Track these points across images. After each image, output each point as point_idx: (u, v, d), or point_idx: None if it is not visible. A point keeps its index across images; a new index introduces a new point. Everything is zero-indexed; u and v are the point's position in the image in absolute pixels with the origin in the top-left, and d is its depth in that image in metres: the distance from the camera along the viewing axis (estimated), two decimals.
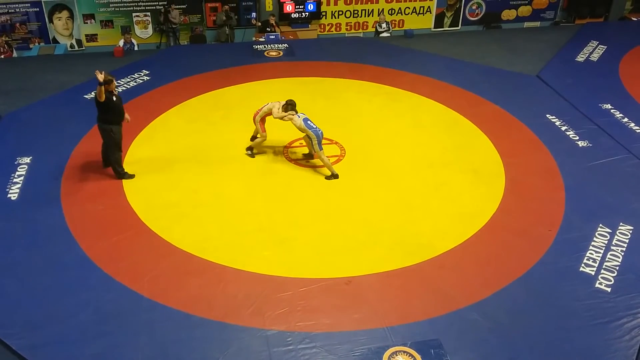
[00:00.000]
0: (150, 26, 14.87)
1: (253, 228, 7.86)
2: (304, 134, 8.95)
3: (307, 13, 15.49)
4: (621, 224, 7.99)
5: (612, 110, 11.22)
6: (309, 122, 8.85)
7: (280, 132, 9.71)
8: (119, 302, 6.56)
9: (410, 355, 5.92)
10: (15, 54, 14.21)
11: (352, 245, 7.55)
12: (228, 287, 6.81)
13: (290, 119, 8.90)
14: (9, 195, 8.35)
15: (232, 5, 15.07)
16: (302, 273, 7.02)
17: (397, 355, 5.92)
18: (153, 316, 6.38)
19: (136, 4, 14.63)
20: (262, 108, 9.23)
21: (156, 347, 6.01)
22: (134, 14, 14.67)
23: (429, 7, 16.35)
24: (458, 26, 16.74)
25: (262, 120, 9.28)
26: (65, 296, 6.62)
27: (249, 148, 9.53)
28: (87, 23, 14.49)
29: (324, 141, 9.73)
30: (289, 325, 6.29)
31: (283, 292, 6.72)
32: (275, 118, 9.05)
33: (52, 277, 6.90)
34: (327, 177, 8.98)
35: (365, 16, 16.09)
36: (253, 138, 9.59)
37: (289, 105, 8.94)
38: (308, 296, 6.68)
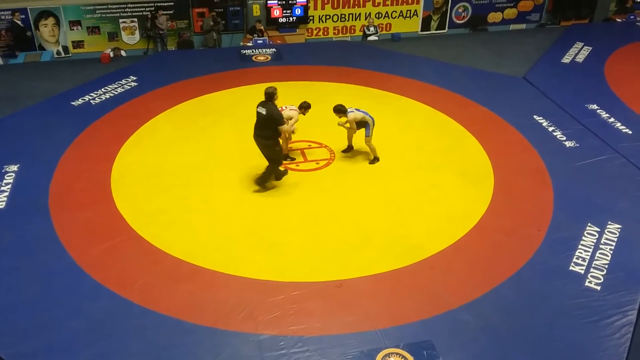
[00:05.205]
0: (137, 32, 14.80)
1: (243, 233, 7.84)
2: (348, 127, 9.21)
3: (295, 17, 15.50)
4: (609, 222, 8.06)
5: (598, 111, 11.33)
6: (359, 110, 9.15)
7: None
8: (110, 310, 6.51)
9: (403, 357, 5.92)
10: (0, 62, 14.09)
11: (343, 248, 7.55)
12: (219, 292, 6.78)
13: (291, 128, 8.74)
14: None
15: (220, 10, 15.05)
16: (294, 277, 7.01)
17: (389, 357, 5.93)
18: (144, 323, 6.34)
19: (123, 10, 14.55)
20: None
21: (148, 354, 5.97)
22: (120, 20, 14.60)
23: (415, 10, 16.42)
24: (445, 29, 16.80)
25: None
26: (55, 304, 6.57)
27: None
28: (73, 29, 14.39)
29: (312, 145, 9.75)
30: (281, 329, 6.27)
31: (274, 296, 6.71)
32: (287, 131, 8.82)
33: (41, 286, 6.84)
34: (371, 162, 9.40)
35: (352, 20, 16.12)
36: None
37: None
38: (300, 300, 6.67)
